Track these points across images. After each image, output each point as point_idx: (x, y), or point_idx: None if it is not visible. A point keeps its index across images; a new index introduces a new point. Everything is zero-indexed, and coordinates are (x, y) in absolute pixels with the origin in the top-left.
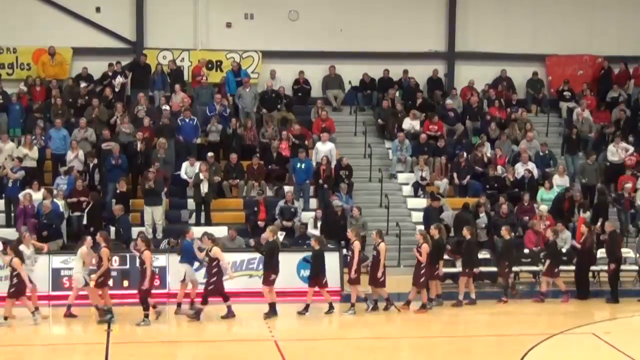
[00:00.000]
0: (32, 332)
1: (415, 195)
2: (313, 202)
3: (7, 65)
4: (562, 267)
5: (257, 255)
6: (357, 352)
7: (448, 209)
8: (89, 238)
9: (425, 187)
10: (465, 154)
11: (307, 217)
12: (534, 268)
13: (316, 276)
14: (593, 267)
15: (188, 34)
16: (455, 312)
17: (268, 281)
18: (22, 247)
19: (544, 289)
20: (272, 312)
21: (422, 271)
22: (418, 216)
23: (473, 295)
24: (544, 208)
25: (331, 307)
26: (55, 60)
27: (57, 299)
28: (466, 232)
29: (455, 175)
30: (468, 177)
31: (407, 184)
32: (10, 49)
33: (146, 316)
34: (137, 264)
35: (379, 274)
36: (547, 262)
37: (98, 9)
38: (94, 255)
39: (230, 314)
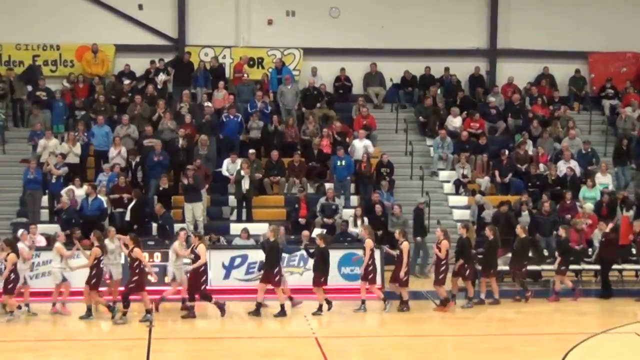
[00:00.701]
0: (74, 328)
1: (457, 193)
2: (354, 199)
3: (51, 62)
4: (585, 267)
5: (299, 252)
6: (397, 349)
7: (489, 207)
8: (61, 233)
9: (466, 185)
10: (507, 151)
11: (348, 214)
12: (576, 267)
13: (319, 274)
14: (616, 266)
15: (229, 31)
16: (495, 310)
17: (272, 281)
18: (106, 242)
19: (557, 287)
20: (281, 312)
21: (442, 268)
22: (459, 214)
23: (496, 295)
24: (588, 206)
25: (320, 308)
26: (98, 58)
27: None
28: (489, 232)
29: (496, 173)
30: (510, 174)
31: (448, 181)
32: (53, 46)
33: (124, 314)
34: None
35: (402, 274)
36: (558, 259)
37: (140, 7)
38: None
39: (190, 314)
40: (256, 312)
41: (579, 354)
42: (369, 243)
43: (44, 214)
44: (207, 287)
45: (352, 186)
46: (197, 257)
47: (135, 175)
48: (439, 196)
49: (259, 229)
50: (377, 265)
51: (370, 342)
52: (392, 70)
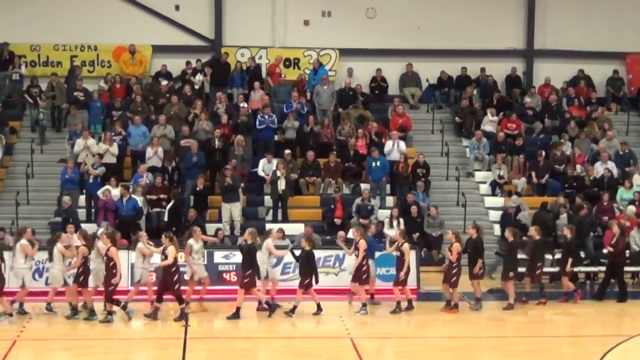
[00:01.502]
0: (112, 327)
1: (493, 194)
2: (389, 200)
3: (88, 62)
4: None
5: (335, 252)
6: (433, 351)
7: (525, 209)
8: (143, 233)
9: (502, 186)
10: (543, 152)
11: (384, 215)
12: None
13: (304, 277)
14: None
15: (266, 32)
16: (532, 311)
17: (248, 282)
18: (191, 242)
19: (565, 289)
20: (271, 309)
21: (454, 270)
22: (495, 215)
23: (512, 300)
24: (630, 209)
25: (293, 310)
26: (135, 58)
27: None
28: (508, 234)
29: (533, 174)
30: (547, 176)
31: (484, 182)
32: (91, 47)
33: (109, 313)
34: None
35: (402, 274)
36: (570, 261)
37: (177, 7)
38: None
39: (154, 315)
40: (235, 316)
41: (617, 356)
42: (362, 244)
43: (81, 213)
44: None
45: (388, 187)
46: (110, 260)
47: (172, 176)
48: (474, 197)
49: (295, 229)
50: (413, 267)
51: (405, 344)
52: (428, 71)
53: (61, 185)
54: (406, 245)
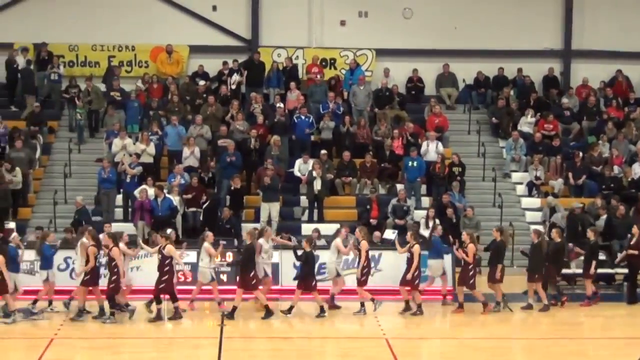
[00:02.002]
0: (148, 326)
1: (529, 194)
2: (425, 201)
3: (126, 62)
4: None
5: (371, 252)
6: (468, 352)
7: (561, 210)
8: (209, 233)
9: (539, 187)
10: (581, 153)
11: (419, 215)
12: None
13: (306, 278)
14: None
15: (302, 32)
16: (566, 313)
17: (248, 284)
18: (261, 241)
19: (588, 292)
20: (267, 313)
21: (471, 272)
22: (532, 216)
23: (545, 301)
24: None
25: (322, 310)
26: (172, 58)
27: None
28: (534, 236)
29: (570, 175)
30: (584, 177)
31: (521, 183)
32: (129, 47)
33: (112, 314)
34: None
35: (409, 276)
36: (594, 263)
37: (214, 8)
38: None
39: (177, 315)
40: (230, 316)
41: None
42: (364, 245)
43: (118, 212)
44: (280, 287)
45: (423, 187)
46: (165, 258)
47: (208, 174)
48: (511, 198)
49: (331, 229)
50: (449, 269)
51: (440, 344)
52: (465, 71)
53: (98, 185)
54: (416, 247)
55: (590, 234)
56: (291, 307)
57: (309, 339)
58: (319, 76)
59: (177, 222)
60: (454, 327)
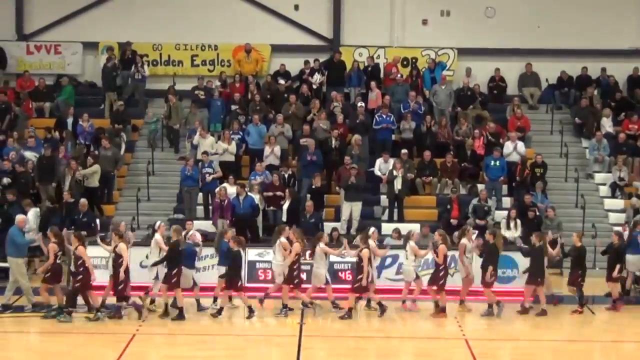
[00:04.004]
0: (228, 324)
1: (613, 196)
2: (505, 201)
3: (209, 62)
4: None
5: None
6: (548, 354)
7: None
8: (286, 227)
9: (623, 188)
10: None
11: (500, 216)
12: None
13: (231, 278)
14: None
15: (384, 31)
16: None
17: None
18: (464, 241)
19: (614, 295)
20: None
21: (441, 273)
22: (615, 217)
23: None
24: None
25: (251, 311)
26: (251, 57)
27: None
28: (535, 240)
29: None
30: None
31: (604, 184)
32: (211, 46)
33: (69, 314)
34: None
35: (362, 280)
36: (617, 267)
37: (296, 7)
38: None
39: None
40: (219, 312)
41: None
42: (365, 253)
43: (200, 210)
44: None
45: (504, 188)
46: (118, 257)
47: (288, 173)
48: (594, 199)
49: (411, 228)
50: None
51: (520, 345)
52: (548, 71)
53: (181, 183)
54: (365, 251)
55: (614, 237)
56: (221, 309)
57: (387, 339)
58: (398, 76)
59: (257, 221)
60: (535, 329)
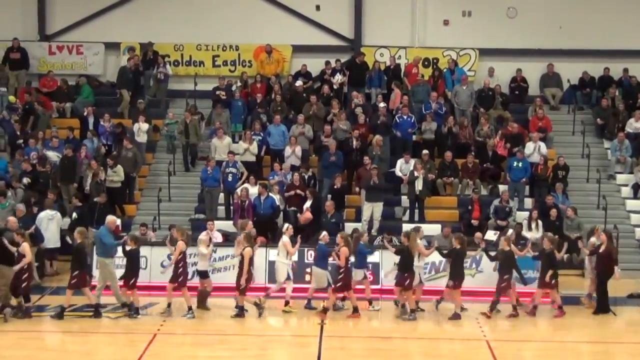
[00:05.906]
0: (248, 324)
1: (635, 197)
2: (527, 202)
3: (230, 62)
4: None
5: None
6: (569, 355)
7: None
8: (289, 226)
9: None
10: None
11: (522, 217)
12: None
13: (129, 277)
14: None
15: (405, 32)
16: None
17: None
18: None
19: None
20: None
21: (341, 275)
22: (637, 218)
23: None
24: None
25: (133, 310)
26: (272, 57)
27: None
28: (546, 244)
29: None
30: None
31: (626, 185)
32: (232, 47)
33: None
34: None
35: (242, 281)
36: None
37: (318, 7)
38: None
39: (26, 314)
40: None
41: None
42: (343, 251)
43: (221, 210)
44: (380, 287)
45: (526, 188)
46: (21, 256)
47: (308, 174)
48: (615, 200)
49: (432, 229)
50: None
51: (542, 347)
52: (570, 71)
53: (202, 183)
54: (247, 250)
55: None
56: (169, 304)
57: (409, 340)
58: (420, 76)
59: (278, 221)
60: (556, 330)
